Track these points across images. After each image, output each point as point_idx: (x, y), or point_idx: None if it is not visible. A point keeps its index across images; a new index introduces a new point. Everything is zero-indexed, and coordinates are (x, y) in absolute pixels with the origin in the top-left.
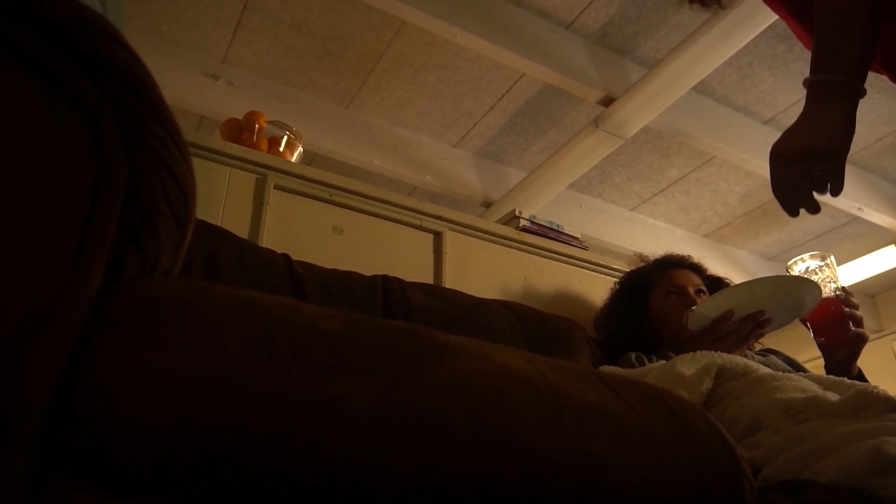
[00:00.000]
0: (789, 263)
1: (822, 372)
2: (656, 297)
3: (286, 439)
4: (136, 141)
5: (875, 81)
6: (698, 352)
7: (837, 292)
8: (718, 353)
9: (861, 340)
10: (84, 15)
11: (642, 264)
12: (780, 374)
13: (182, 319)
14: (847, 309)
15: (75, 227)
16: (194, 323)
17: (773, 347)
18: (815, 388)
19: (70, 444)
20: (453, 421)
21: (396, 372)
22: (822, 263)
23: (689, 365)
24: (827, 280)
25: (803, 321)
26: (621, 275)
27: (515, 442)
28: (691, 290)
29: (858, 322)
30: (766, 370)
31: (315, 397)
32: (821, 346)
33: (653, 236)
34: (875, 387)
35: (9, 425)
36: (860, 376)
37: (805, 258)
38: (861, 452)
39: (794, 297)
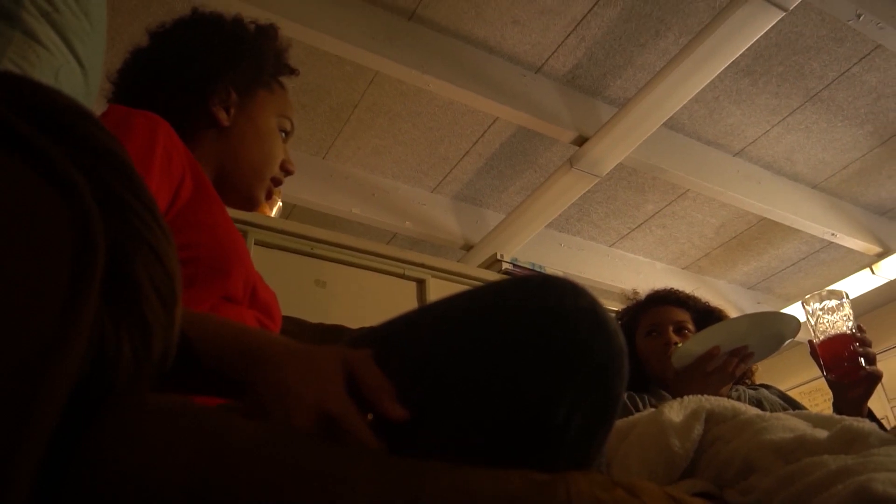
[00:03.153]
0: (806, 297)
1: (818, 398)
2: (640, 336)
3: None
4: (116, 217)
5: (837, 110)
6: (685, 397)
7: (853, 330)
8: (706, 396)
9: (874, 379)
10: (64, 100)
11: (632, 301)
12: (767, 414)
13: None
14: (861, 347)
15: (55, 299)
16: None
17: (767, 382)
18: (803, 427)
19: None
20: None
21: None
22: (839, 301)
23: (677, 411)
24: (844, 318)
25: (815, 357)
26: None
27: None
28: (670, 329)
29: (871, 360)
30: (755, 411)
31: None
32: (831, 384)
33: (633, 271)
34: (862, 420)
35: None
36: (871, 416)
37: (823, 293)
38: (849, 491)
39: (773, 330)
